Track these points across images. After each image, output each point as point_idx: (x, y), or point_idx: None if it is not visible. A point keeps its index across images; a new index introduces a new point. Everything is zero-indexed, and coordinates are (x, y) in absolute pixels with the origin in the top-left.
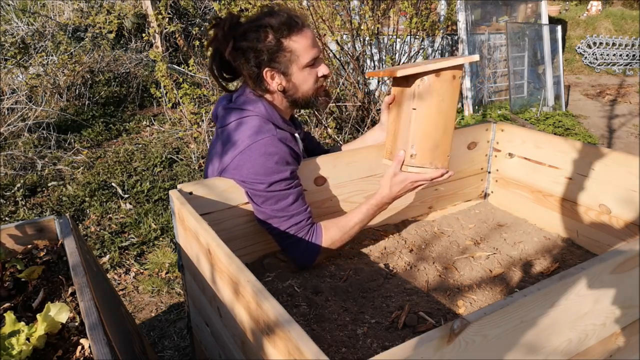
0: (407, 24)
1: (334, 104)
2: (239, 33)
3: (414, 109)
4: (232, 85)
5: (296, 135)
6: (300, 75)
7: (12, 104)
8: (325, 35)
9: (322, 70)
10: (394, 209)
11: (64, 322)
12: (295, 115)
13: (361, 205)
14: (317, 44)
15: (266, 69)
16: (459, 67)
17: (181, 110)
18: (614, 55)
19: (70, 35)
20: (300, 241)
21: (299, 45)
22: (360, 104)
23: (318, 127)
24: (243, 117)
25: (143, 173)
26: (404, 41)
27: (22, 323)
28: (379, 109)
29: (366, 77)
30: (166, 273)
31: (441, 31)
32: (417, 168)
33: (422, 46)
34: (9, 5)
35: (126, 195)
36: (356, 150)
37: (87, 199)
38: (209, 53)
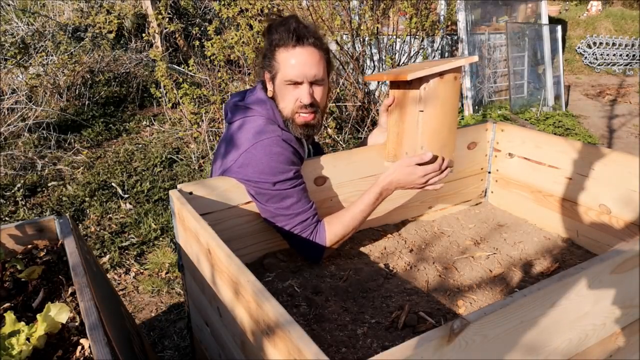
0: (406, 23)
1: (333, 104)
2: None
3: (421, 110)
4: None
5: (303, 140)
6: (283, 88)
7: (12, 104)
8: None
9: (302, 96)
10: (394, 209)
11: (64, 322)
12: None
13: (363, 194)
14: (308, 70)
15: (264, 70)
16: (459, 68)
17: (181, 110)
18: (614, 55)
19: (70, 35)
20: (308, 238)
21: (285, 59)
22: (360, 104)
23: None
24: (247, 117)
25: (143, 173)
26: (404, 41)
27: (22, 323)
28: (379, 109)
29: (365, 80)
30: (166, 273)
31: (441, 31)
32: None
33: (422, 46)
34: (9, 5)
35: (126, 195)
36: (356, 150)
37: (87, 199)
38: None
